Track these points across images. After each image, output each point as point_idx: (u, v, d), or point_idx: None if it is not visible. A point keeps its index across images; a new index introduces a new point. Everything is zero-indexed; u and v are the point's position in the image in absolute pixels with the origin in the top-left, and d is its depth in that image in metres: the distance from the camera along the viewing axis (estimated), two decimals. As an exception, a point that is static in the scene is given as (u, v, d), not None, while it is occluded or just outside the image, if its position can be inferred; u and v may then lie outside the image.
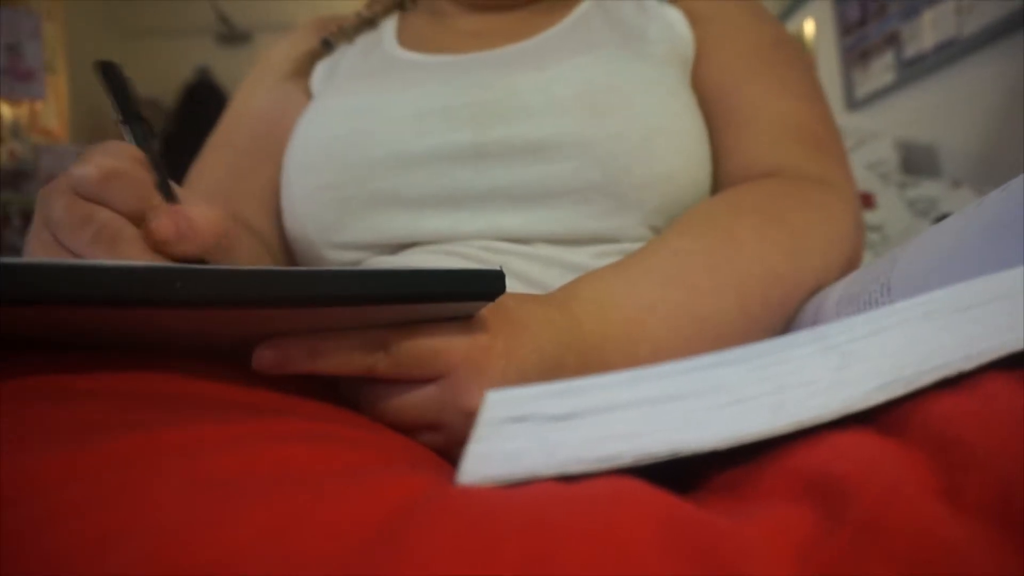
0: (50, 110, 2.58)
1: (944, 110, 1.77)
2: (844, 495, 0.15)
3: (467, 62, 0.51)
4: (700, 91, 0.52)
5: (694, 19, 0.54)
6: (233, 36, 3.31)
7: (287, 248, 0.54)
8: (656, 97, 0.46)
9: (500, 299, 0.27)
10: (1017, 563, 0.13)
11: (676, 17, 0.54)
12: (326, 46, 0.59)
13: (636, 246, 0.43)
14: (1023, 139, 1.45)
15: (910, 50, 1.87)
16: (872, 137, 1.78)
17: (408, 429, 0.28)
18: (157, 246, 0.27)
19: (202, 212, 0.28)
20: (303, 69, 0.58)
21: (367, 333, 0.26)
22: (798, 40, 2.44)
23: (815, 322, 0.38)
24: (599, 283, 0.36)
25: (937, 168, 1.78)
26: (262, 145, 0.55)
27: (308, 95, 0.57)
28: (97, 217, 0.26)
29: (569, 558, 0.13)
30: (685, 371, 0.19)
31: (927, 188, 1.58)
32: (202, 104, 3.11)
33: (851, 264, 0.45)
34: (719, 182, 0.50)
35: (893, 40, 1.95)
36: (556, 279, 0.42)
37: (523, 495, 0.16)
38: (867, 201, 1.55)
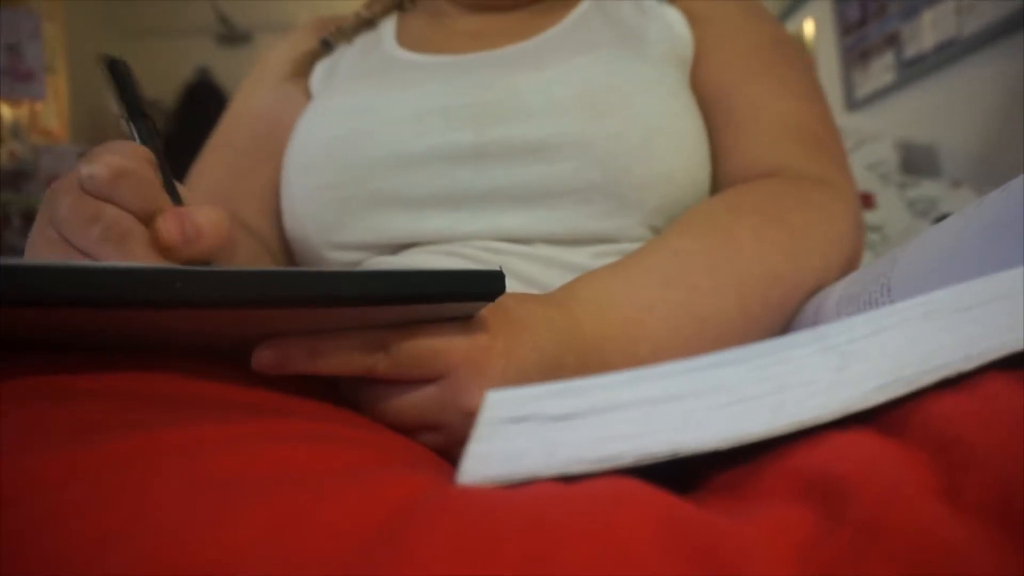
0: (50, 110, 2.58)
1: (944, 110, 1.77)
2: (844, 495, 0.15)
3: (467, 62, 0.51)
4: (700, 91, 0.52)
5: (693, 19, 0.54)
6: (233, 36, 3.31)
7: (286, 249, 0.54)
8: (656, 97, 0.46)
9: (500, 299, 0.27)
10: (1017, 563, 0.13)
11: (675, 17, 0.54)
12: (325, 46, 0.59)
13: (636, 246, 0.43)
14: (1023, 139, 1.45)
15: (910, 50, 1.87)
16: (872, 137, 1.78)
17: (408, 429, 0.28)
18: (164, 251, 0.27)
19: (207, 215, 0.28)
20: (302, 69, 0.58)
21: (367, 333, 0.26)
22: (798, 40, 2.44)
23: (815, 322, 0.38)
24: (599, 283, 0.36)
25: (937, 168, 1.78)
26: (262, 145, 0.56)
27: (308, 95, 0.57)
28: (106, 215, 0.26)
29: (569, 558, 0.13)
30: (685, 371, 0.19)
31: (927, 188, 1.58)
32: (202, 104, 3.11)
33: (851, 264, 0.45)
34: (719, 182, 0.50)
35: (893, 40, 1.95)
36: (556, 279, 0.42)
37: (523, 495, 0.16)
38: (867, 201, 1.55)
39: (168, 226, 0.27)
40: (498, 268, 0.25)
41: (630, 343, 0.34)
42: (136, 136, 0.31)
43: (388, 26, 0.60)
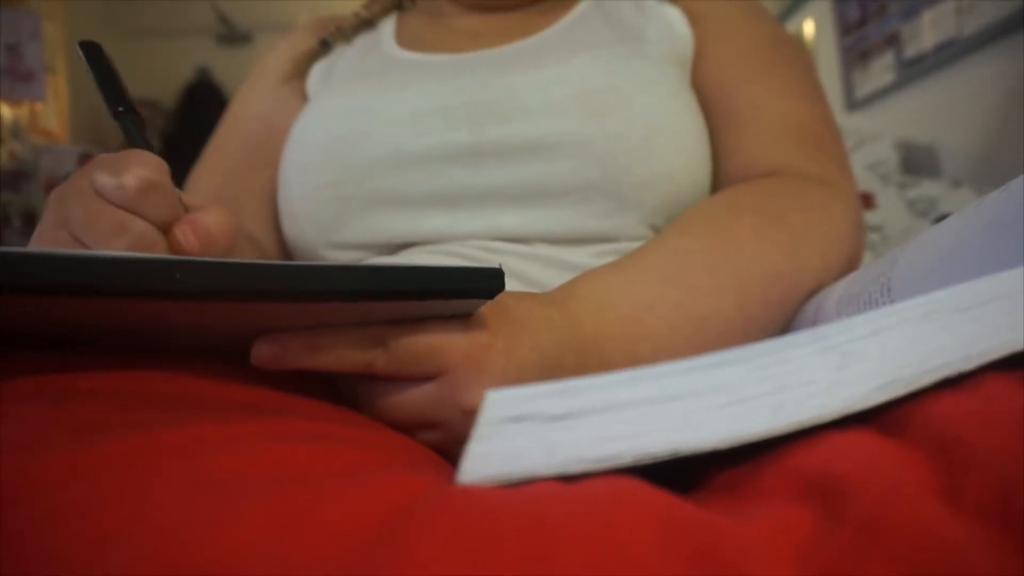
0: (50, 111, 2.58)
1: (944, 110, 1.77)
2: (844, 495, 0.15)
3: (465, 62, 0.51)
4: (700, 91, 0.52)
5: (693, 18, 0.54)
6: (233, 36, 3.31)
7: (284, 253, 0.54)
8: (656, 97, 0.46)
9: (499, 298, 0.27)
10: (1017, 563, 0.13)
11: (675, 17, 0.54)
12: (324, 47, 0.59)
13: (635, 246, 0.43)
14: (1023, 139, 1.45)
15: (910, 50, 1.87)
16: (872, 137, 1.78)
17: (407, 427, 0.28)
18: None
19: (215, 219, 0.29)
20: (299, 71, 0.58)
21: (366, 329, 0.26)
22: (798, 40, 2.44)
23: (815, 322, 0.38)
24: (598, 282, 0.36)
25: (937, 168, 1.78)
26: (257, 150, 0.56)
27: (303, 98, 0.57)
28: (133, 228, 0.27)
29: (569, 558, 0.13)
30: (685, 371, 0.19)
31: (927, 188, 1.58)
32: (202, 104, 3.11)
33: (851, 264, 0.45)
34: (719, 182, 0.50)
35: (893, 40, 1.95)
36: (555, 279, 0.42)
37: (523, 495, 0.16)
38: (867, 201, 1.55)
39: (188, 236, 0.28)
40: (498, 266, 0.25)
41: (630, 342, 0.34)
42: (106, 104, 0.32)
43: (387, 26, 0.60)
